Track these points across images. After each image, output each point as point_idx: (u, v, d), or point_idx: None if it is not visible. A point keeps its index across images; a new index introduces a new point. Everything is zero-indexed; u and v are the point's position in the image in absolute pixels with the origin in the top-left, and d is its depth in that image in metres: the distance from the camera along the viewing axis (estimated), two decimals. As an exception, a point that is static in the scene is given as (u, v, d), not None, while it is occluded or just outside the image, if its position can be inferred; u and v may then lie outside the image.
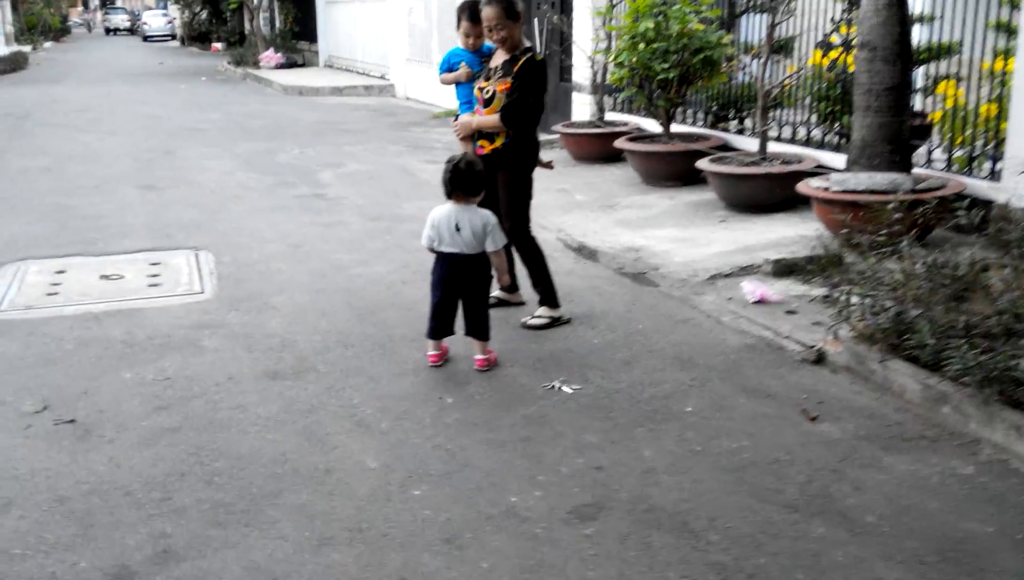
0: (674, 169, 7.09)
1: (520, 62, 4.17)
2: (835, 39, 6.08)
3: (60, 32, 38.63)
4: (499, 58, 4.27)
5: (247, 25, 24.49)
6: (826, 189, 5.25)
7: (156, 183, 7.99)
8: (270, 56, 19.96)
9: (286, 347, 4.14)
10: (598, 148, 8.12)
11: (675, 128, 7.38)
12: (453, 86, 4.70)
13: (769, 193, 6.15)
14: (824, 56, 6.19)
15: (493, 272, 3.95)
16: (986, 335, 3.33)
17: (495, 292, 4.54)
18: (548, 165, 4.63)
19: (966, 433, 3.21)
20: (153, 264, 5.50)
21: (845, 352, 3.91)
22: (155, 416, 3.43)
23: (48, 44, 33.49)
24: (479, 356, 3.86)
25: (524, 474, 2.97)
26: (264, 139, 10.49)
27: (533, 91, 4.18)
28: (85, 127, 11.74)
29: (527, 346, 4.15)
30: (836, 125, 6.29)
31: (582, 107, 9.20)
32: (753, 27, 7.28)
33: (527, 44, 4.29)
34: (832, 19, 6.14)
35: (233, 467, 3.02)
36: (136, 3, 55.31)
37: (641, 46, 6.56)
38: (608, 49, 7.48)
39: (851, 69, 6.07)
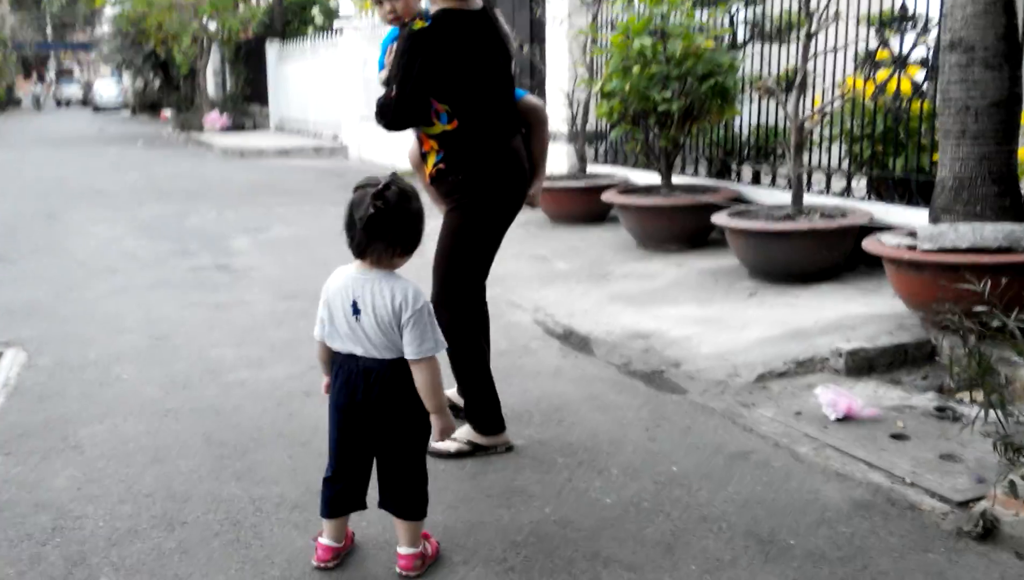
0: (679, 228, 5.53)
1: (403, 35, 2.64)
2: (885, 54, 4.63)
3: (4, 103, 37.02)
4: None
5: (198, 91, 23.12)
6: (911, 248, 3.69)
7: (10, 253, 6.21)
8: (215, 118, 18.44)
9: (57, 532, 2.36)
10: (581, 205, 6.56)
11: (675, 180, 5.85)
12: None
13: (813, 257, 4.59)
14: (868, 79, 4.73)
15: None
16: None
17: (450, 392, 2.86)
18: (530, 201, 2.97)
19: None
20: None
21: (1037, 522, 2.27)
22: None
23: (-9, 114, 31.83)
24: (403, 549, 2.14)
25: None
26: (179, 202, 8.79)
27: (414, 70, 2.59)
28: (-34, 190, 9.97)
29: (493, 514, 2.44)
30: (874, 168, 4.82)
31: (558, 158, 7.68)
32: (758, 55, 5.86)
33: (430, 8, 2.69)
34: (879, 29, 4.69)
35: None
36: (93, 74, 54.06)
37: (636, 70, 5.05)
38: (592, 79, 5.98)
39: (906, 93, 4.63)
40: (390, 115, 2.68)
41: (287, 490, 2.56)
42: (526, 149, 2.87)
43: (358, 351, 2.07)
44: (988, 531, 2.34)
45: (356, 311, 2.05)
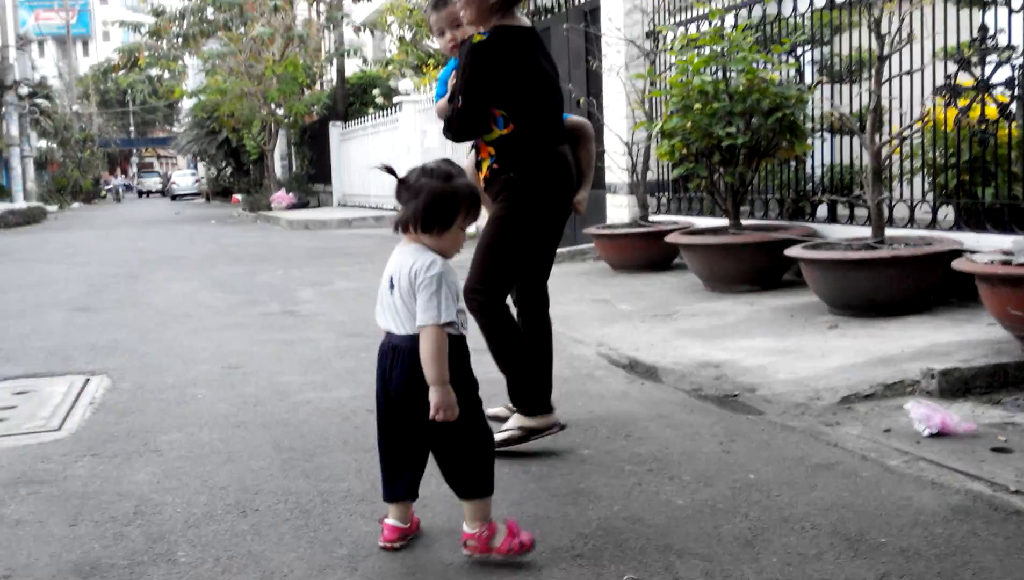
0: (749, 267, 5.40)
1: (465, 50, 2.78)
2: (967, 81, 4.53)
3: (91, 194, 39.33)
4: None
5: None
6: (1005, 263, 3.51)
7: (95, 305, 6.46)
8: (281, 197, 19.18)
9: (138, 516, 2.39)
10: (643, 252, 6.50)
11: (744, 223, 5.76)
12: None
13: (896, 287, 4.40)
14: (948, 105, 4.62)
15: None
16: None
17: (494, 410, 2.84)
18: (576, 207, 3.01)
19: None
20: (17, 393, 3.82)
21: None
22: None
23: (76, 205, 33.77)
24: (466, 526, 2.06)
25: None
26: (248, 264, 9.07)
27: (478, 79, 2.71)
28: (56, 259, 10.47)
29: (560, 511, 2.34)
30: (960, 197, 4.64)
31: (618, 210, 7.69)
32: (827, 98, 5.81)
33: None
34: (956, 55, 4.61)
35: None
36: (171, 167, 57.23)
37: (697, 107, 5.06)
38: (651, 121, 6.01)
39: (991, 117, 4.50)
40: (456, 124, 2.82)
41: (353, 485, 2.54)
42: (574, 158, 2.98)
43: (391, 328, 2.08)
44: (1114, 532, 2.12)
45: (391, 286, 2.08)
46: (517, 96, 2.78)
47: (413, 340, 2.02)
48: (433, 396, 1.98)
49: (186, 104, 31.96)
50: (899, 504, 2.36)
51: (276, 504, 2.43)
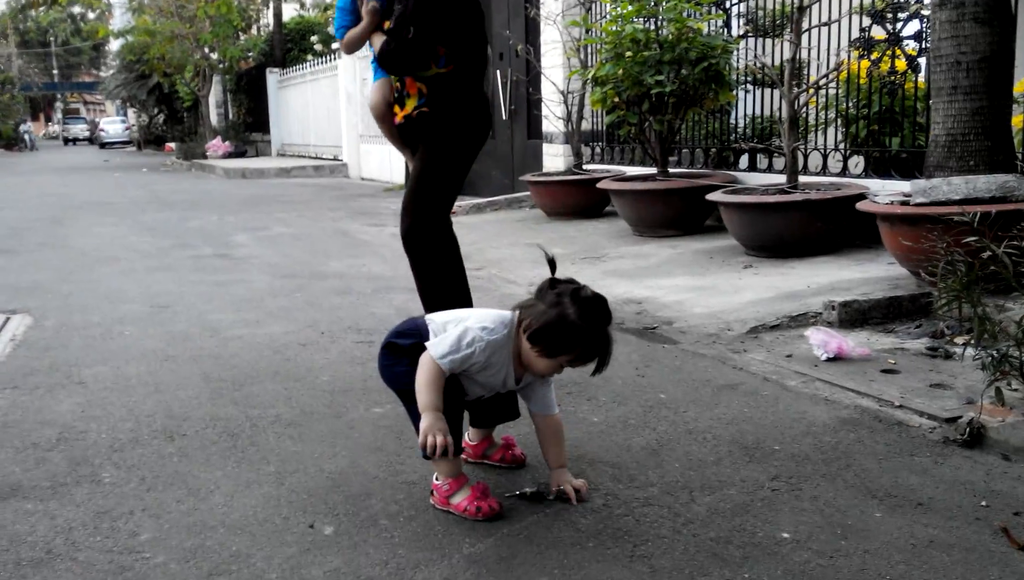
0: (674, 213, 5.60)
1: None
2: (880, 35, 4.73)
3: (12, 141, 37.53)
4: None
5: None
6: (903, 203, 3.75)
7: (16, 248, 6.30)
8: (217, 145, 18.68)
9: (61, 442, 2.41)
10: (577, 199, 6.65)
11: (671, 171, 5.94)
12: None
13: (808, 229, 4.65)
14: (863, 58, 4.83)
15: None
16: None
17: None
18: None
19: None
20: (-63, 331, 3.77)
21: (1021, 424, 2.30)
22: None
23: (-5, 151, 32.18)
24: (436, 480, 2.07)
25: None
26: (181, 210, 8.91)
27: (434, 12, 2.67)
28: (-26, 204, 10.09)
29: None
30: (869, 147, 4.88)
31: (554, 160, 7.80)
32: (752, 50, 5.97)
33: None
34: (869, 9, 4.80)
35: None
36: (98, 114, 54.78)
37: (628, 55, 5.16)
38: (586, 69, 6.10)
39: (900, 69, 4.73)
40: (400, 57, 2.72)
41: (282, 411, 2.61)
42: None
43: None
44: (975, 438, 2.36)
45: None
46: (462, 35, 2.74)
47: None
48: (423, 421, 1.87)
49: (113, 46, 30.53)
50: (793, 418, 2.57)
51: (204, 429, 2.48)
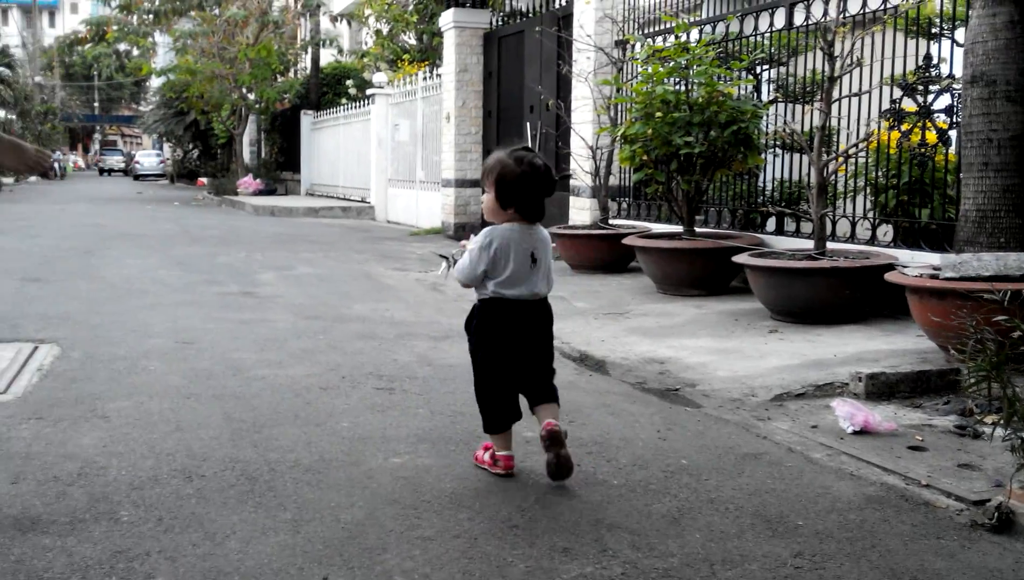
0: (700, 273, 5.59)
1: None
2: (910, 107, 4.76)
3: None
4: None
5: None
6: (933, 277, 3.72)
7: (48, 276, 6.42)
8: (248, 182, 19.03)
9: (82, 477, 2.43)
10: (602, 253, 6.67)
11: (698, 231, 5.95)
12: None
13: (834, 296, 4.61)
14: (892, 129, 4.85)
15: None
16: None
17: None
18: None
19: None
20: (-35, 358, 3.82)
21: (1056, 512, 2.24)
22: None
23: (33, 178, 33.03)
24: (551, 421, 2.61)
25: None
26: (209, 245, 9.04)
27: None
28: (8, 231, 10.31)
29: (500, 485, 2.47)
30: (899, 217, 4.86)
31: (580, 213, 7.85)
32: (783, 115, 6.02)
33: None
34: (900, 81, 4.84)
35: None
36: (135, 146, 56.11)
37: (658, 115, 5.23)
38: (615, 126, 6.17)
39: (931, 142, 4.74)
40: None
41: (301, 456, 2.61)
42: None
43: (542, 290, 2.69)
44: (1004, 523, 2.30)
45: (534, 260, 2.59)
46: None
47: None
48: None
49: (154, 83, 31.42)
50: (818, 492, 2.52)
51: (223, 471, 2.49)
